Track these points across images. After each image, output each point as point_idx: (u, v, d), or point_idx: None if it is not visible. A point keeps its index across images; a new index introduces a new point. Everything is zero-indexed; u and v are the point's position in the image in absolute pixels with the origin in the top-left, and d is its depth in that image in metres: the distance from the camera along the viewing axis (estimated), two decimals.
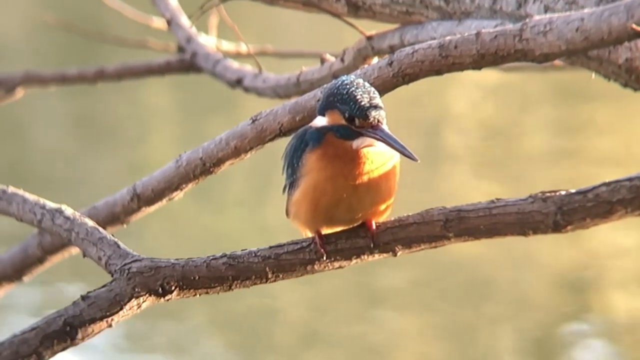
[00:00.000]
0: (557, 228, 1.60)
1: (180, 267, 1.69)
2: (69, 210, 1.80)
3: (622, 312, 4.68)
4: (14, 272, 2.27)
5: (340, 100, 1.66)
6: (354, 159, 1.65)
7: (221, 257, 1.70)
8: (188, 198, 2.10)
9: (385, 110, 1.66)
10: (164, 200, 2.02)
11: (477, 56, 1.71)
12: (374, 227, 1.69)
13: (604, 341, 4.50)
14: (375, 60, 2.11)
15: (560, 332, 4.57)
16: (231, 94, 2.69)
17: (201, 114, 6.90)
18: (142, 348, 4.56)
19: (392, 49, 2.05)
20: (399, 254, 1.68)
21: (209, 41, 2.65)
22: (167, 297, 1.69)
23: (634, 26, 1.57)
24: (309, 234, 1.71)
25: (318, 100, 1.79)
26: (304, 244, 1.70)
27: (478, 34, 1.70)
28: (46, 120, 6.88)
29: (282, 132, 1.87)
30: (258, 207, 5.68)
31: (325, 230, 1.71)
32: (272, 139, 1.88)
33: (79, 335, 1.66)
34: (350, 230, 1.70)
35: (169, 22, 2.66)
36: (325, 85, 1.80)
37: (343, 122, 1.66)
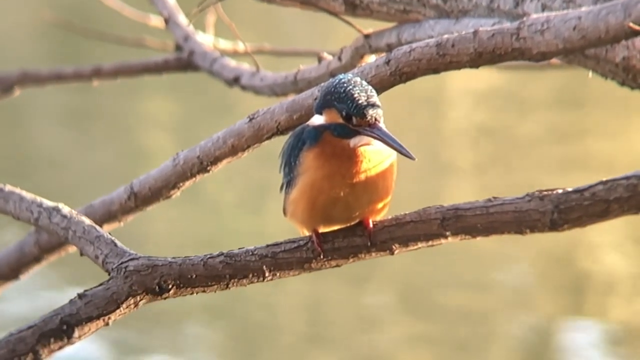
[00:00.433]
0: (554, 226, 1.60)
1: (178, 265, 1.69)
2: (65, 209, 1.80)
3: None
4: (10, 271, 2.27)
5: (337, 98, 1.66)
6: (351, 158, 1.65)
7: (218, 255, 1.70)
8: (185, 197, 2.10)
9: (383, 109, 1.66)
10: (161, 199, 2.02)
11: (475, 55, 1.71)
12: (371, 225, 1.69)
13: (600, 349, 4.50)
14: (372, 58, 2.11)
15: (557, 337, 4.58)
16: (229, 92, 2.69)
17: (198, 112, 6.90)
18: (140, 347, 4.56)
19: (389, 48, 2.05)
20: (396, 252, 1.68)
21: (206, 39, 2.64)
22: (164, 296, 1.69)
23: (632, 25, 1.57)
24: (306, 233, 1.71)
25: (315, 99, 1.79)
26: (301, 243, 1.70)
27: (475, 33, 1.70)
28: (43, 117, 6.87)
29: (279, 131, 1.87)
30: (255, 206, 5.68)
31: (323, 229, 1.71)
32: (269, 138, 1.88)
33: (76, 334, 1.66)
34: (347, 229, 1.70)
35: (166, 21, 2.65)
36: (322, 84, 1.80)
37: (340, 120, 1.66)
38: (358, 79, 1.67)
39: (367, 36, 2.12)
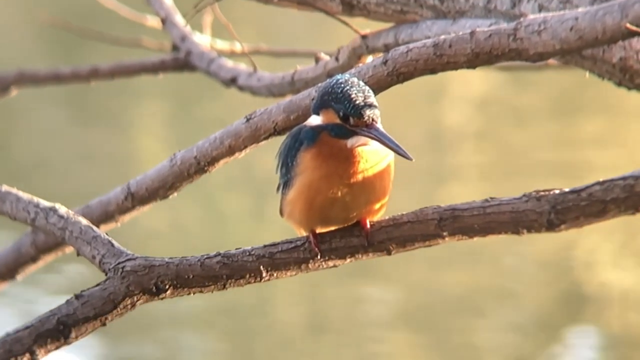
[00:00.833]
0: (551, 227, 1.60)
1: (174, 265, 1.69)
2: (62, 209, 1.80)
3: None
4: (7, 271, 2.27)
5: (334, 99, 1.66)
6: (348, 158, 1.65)
7: (215, 256, 1.70)
8: (183, 198, 2.10)
9: (380, 110, 1.66)
10: (158, 199, 2.02)
11: (472, 55, 1.71)
12: (368, 226, 1.69)
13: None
14: (369, 59, 2.11)
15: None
16: (225, 92, 2.69)
17: (197, 112, 6.89)
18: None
19: (386, 48, 2.05)
20: (393, 252, 1.68)
21: (203, 40, 2.64)
22: (161, 296, 1.69)
23: (628, 25, 1.57)
24: (304, 233, 1.71)
25: (312, 99, 1.79)
26: (299, 243, 1.70)
27: (472, 33, 1.70)
28: (38, 109, 6.86)
29: (276, 131, 1.87)
30: (254, 206, 5.68)
31: (320, 229, 1.70)
32: (266, 138, 1.88)
33: (73, 334, 1.66)
34: (344, 229, 1.70)
35: (163, 21, 2.65)
36: (319, 84, 1.80)
37: (338, 121, 1.66)
38: (355, 80, 1.67)
39: (364, 37, 2.12)
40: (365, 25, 2.13)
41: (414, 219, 1.66)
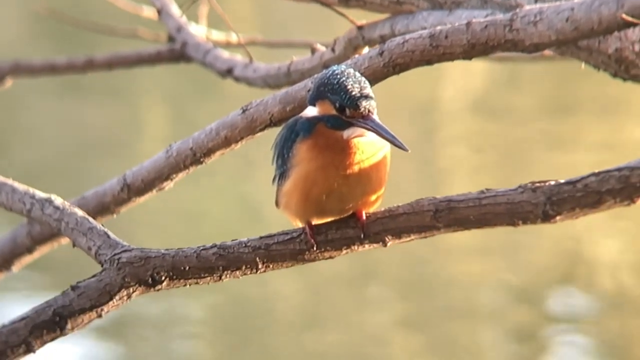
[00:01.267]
0: (546, 218, 1.61)
1: (171, 257, 1.69)
2: (58, 200, 1.79)
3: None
4: (3, 262, 2.27)
5: (331, 90, 1.66)
6: (344, 149, 1.65)
7: (211, 247, 1.70)
8: (179, 189, 2.09)
9: (376, 100, 1.66)
10: (154, 191, 2.02)
11: (468, 46, 1.71)
12: (364, 217, 1.69)
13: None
14: (366, 50, 2.10)
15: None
16: (221, 83, 2.69)
17: (191, 103, 6.88)
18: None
19: (382, 39, 2.05)
20: (389, 244, 1.68)
21: (199, 31, 2.64)
22: (157, 287, 1.69)
23: (624, 16, 1.57)
24: (300, 225, 1.71)
25: (309, 91, 1.78)
26: (294, 235, 1.70)
27: (468, 24, 1.70)
28: (35, 111, 6.85)
29: (272, 122, 1.87)
30: (249, 197, 5.68)
31: (316, 221, 1.70)
32: (262, 129, 1.88)
33: (69, 326, 1.66)
34: (340, 221, 1.70)
35: (159, 12, 2.64)
36: (315, 75, 1.79)
37: (334, 112, 1.66)
38: (351, 71, 1.67)
39: (360, 27, 2.11)
40: (362, 16, 2.12)
41: (410, 210, 1.66)
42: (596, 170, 1.59)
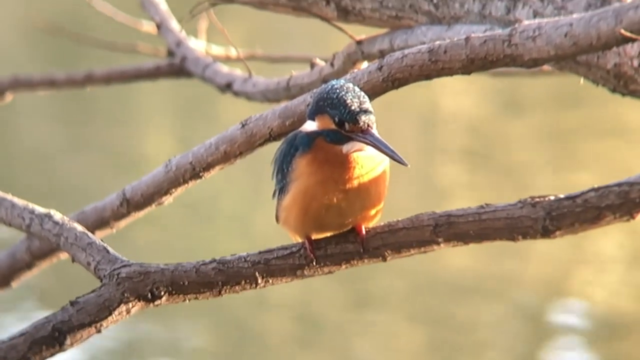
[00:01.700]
0: (546, 233, 1.61)
1: (170, 272, 1.68)
2: (57, 215, 1.79)
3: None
4: (2, 278, 2.26)
5: (330, 104, 1.66)
6: (344, 164, 1.65)
7: (210, 262, 1.70)
8: (178, 205, 2.09)
9: (375, 115, 1.66)
10: (154, 205, 2.02)
11: (467, 61, 1.71)
12: (363, 232, 1.68)
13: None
14: (365, 64, 2.11)
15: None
16: (221, 98, 2.69)
17: (191, 117, 6.89)
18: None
19: (381, 54, 2.05)
20: (388, 259, 1.68)
21: (198, 45, 2.64)
22: (156, 303, 1.68)
23: (623, 31, 1.57)
24: (299, 239, 1.71)
25: (308, 105, 1.79)
26: (294, 249, 1.70)
27: (467, 39, 1.71)
28: (33, 120, 6.85)
29: (272, 137, 1.87)
30: (248, 214, 5.68)
31: (315, 236, 1.70)
32: (261, 144, 1.88)
33: (68, 341, 1.65)
34: (339, 236, 1.70)
35: (158, 26, 2.65)
36: (315, 90, 1.80)
37: (333, 126, 1.66)
38: (350, 85, 1.67)
39: (359, 42, 2.12)
40: (361, 31, 2.13)
41: (410, 225, 1.66)
42: (596, 186, 1.59)
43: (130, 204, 2.03)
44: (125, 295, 1.67)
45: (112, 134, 6.73)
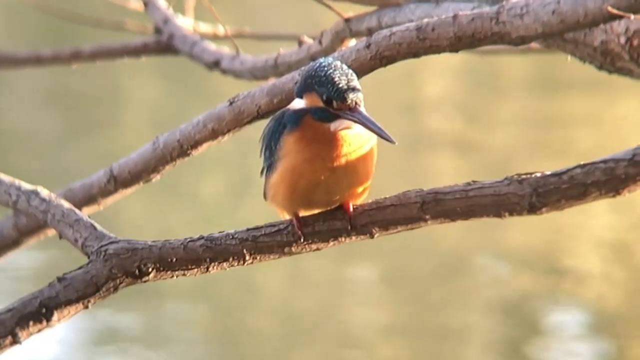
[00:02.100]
0: (532, 209, 1.61)
1: (158, 248, 1.69)
2: (44, 192, 1.79)
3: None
4: None
5: (318, 82, 1.66)
6: (331, 141, 1.65)
7: (198, 239, 1.70)
8: (166, 181, 2.09)
9: (363, 93, 1.66)
10: (141, 182, 2.01)
11: (454, 39, 1.71)
12: (351, 209, 1.69)
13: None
14: (353, 42, 2.10)
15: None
16: (208, 75, 2.68)
17: (178, 95, 6.87)
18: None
19: (369, 32, 2.05)
20: (376, 236, 1.69)
21: (186, 23, 2.63)
22: (143, 279, 1.69)
23: (610, 8, 1.57)
24: (287, 217, 1.72)
25: (296, 83, 1.78)
26: (282, 227, 1.70)
27: (455, 17, 1.71)
28: (20, 100, 6.81)
29: (259, 115, 1.87)
30: (237, 190, 5.68)
31: (303, 213, 1.71)
32: (249, 122, 1.88)
33: (55, 317, 1.65)
34: (327, 213, 1.70)
35: (145, 4, 2.64)
36: (303, 68, 1.79)
37: (321, 104, 1.66)
38: (338, 63, 1.67)
39: (347, 20, 2.11)
40: (349, 9, 2.12)
41: (397, 202, 1.67)
42: (582, 162, 1.60)
43: (117, 181, 2.03)
44: (113, 271, 1.67)
45: (99, 112, 6.70)
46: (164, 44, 2.60)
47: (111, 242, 1.69)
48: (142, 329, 4.52)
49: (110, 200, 2.08)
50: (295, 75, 1.84)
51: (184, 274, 1.69)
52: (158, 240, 1.70)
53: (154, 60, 2.92)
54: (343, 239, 1.69)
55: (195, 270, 1.69)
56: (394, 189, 1.72)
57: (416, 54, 1.75)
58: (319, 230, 1.69)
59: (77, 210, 1.75)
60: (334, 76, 1.65)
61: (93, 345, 4.43)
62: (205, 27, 2.69)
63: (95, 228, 1.72)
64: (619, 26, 1.77)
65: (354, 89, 1.65)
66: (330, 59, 1.69)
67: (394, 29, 1.76)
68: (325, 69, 1.66)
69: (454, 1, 1.97)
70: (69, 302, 1.65)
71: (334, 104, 1.65)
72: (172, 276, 1.69)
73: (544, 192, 1.60)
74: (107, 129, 6.44)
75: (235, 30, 2.71)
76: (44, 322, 1.65)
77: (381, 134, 1.64)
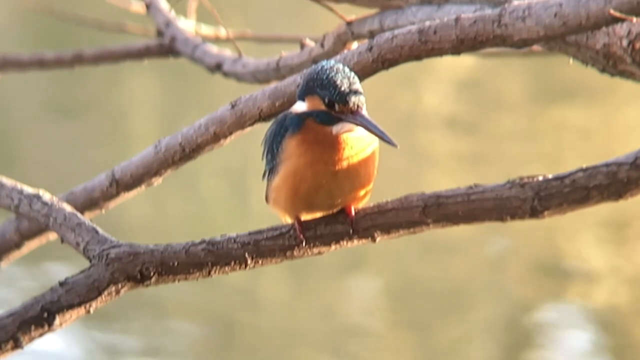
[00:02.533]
0: (534, 213, 1.61)
1: (159, 253, 1.68)
2: (46, 196, 1.79)
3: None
4: None
5: (320, 85, 1.66)
6: (333, 145, 1.65)
7: (200, 243, 1.70)
8: (168, 185, 2.09)
9: (365, 96, 1.66)
10: (143, 186, 2.01)
11: (456, 41, 1.71)
12: (353, 213, 1.69)
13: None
14: (355, 45, 2.10)
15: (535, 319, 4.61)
16: (210, 78, 2.68)
17: (180, 98, 6.87)
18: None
19: (371, 34, 2.05)
20: (378, 239, 1.68)
21: (188, 25, 2.63)
22: (145, 283, 1.69)
23: (612, 11, 1.57)
24: (289, 220, 1.71)
25: (298, 86, 1.78)
26: (283, 230, 1.70)
27: (457, 19, 1.70)
28: (20, 102, 6.82)
29: (261, 118, 1.87)
30: (239, 193, 5.68)
31: (305, 216, 1.71)
32: (251, 125, 1.88)
33: (57, 322, 1.65)
34: (329, 216, 1.70)
35: (147, 6, 2.64)
36: (305, 71, 1.79)
37: (323, 107, 1.66)
38: (340, 66, 1.67)
39: (349, 23, 2.11)
40: (351, 11, 2.12)
41: (399, 206, 1.67)
42: (584, 166, 1.59)
43: (119, 185, 2.03)
44: (115, 275, 1.67)
45: (101, 115, 6.71)
46: (166, 47, 2.60)
47: (113, 246, 1.69)
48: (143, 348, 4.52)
49: (112, 203, 2.08)
50: (297, 78, 1.84)
51: (185, 278, 1.69)
52: (160, 244, 1.70)
53: (156, 63, 2.92)
54: (345, 243, 1.69)
55: (197, 274, 1.69)
56: (396, 193, 1.72)
57: (418, 57, 1.75)
58: (321, 234, 1.69)
59: (78, 214, 1.75)
60: (336, 79, 1.65)
61: None
62: (207, 30, 2.69)
63: (97, 232, 1.72)
64: (621, 29, 1.76)
65: (356, 92, 1.65)
66: (332, 61, 1.69)
67: (396, 31, 1.76)
68: (327, 71, 1.66)
69: (455, 4, 1.97)
70: (70, 307, 1.65)
71: (336, 107, 1.65)
72: (174, 280, 1.69)
73: (546, 195, 1.60)
74: (108, 131, 6.45)
75: (237, 32, 2.71)
76: (46, 327, 1.65)
77: (383, 137, 1.64)
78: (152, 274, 1.68)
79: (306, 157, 1.65)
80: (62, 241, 1.77)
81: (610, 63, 1.79)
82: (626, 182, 1.56)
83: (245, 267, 1.70)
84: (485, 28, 1.68)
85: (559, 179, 1.60)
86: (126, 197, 2.06)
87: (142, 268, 1.67)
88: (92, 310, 1.67)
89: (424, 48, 1.74)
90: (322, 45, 2.15)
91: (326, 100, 1.65)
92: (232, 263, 1.69)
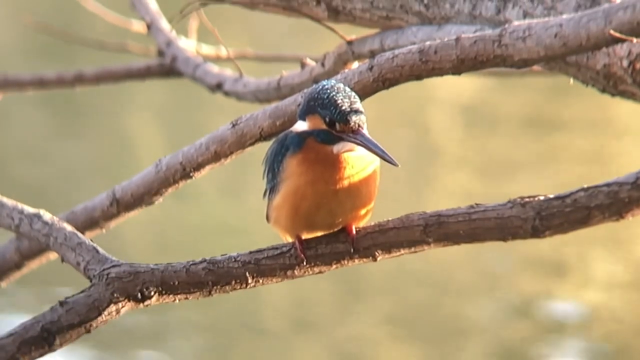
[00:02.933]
0: (535, 233, 1.61)
1: (160, 272, 1.68)
2: (47, 215, 1.79)
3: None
4: None
5: (321, 104, 1.66)
6: (334, 164, 1.65)
7: (201, 262, 1.69)
8: (169, 202, 2.09)
9: (366, 115, 1.66)
10: (144, 205, 2.01)
11: (457, 61, 1.71)
12: (354, 232, 1.69)
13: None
14: (355, 64, 2.11)
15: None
16: (211, 98, 2.69)
17: (181, 117, 6.88)
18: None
19: (372, 54, 2.05)
20: (379, 258, 1.68)
21: (189, 45, 2.64)
22: (146, 303, 1.68)
23: (612, 32, 1.58)
24: (289, 239, 1.71)
25: (299, 105, 1.79)
26: (284, 249, 1.70)
27: (458, 39, 1.71)
28: (22, 114, 6.83)
29: (262, 137, 1.87)
30: (239, 210, 5.67)
31: (306, 235, 1.70)
32: (252, 144, 1.88)
33: (57, 342, 1.65)
34: (330, 235, 1.70)
35: (148, 26, 2.65)
36: (305, 90, 1.80)
37: (324, 126, 1.66)
38: (341, 85, 1.67)
39: (350, 42, 2.12)
40: (351, 31, 2.13)
41: (400, 225, 1.67)
42: (585, 186, 1.59)
43: (120, 204, 2.03)
44: (115, 295, 1.66)
45: (102, 137, 6.71)
46: (167, 67, 2.60)
47: (113, 266, 1.69)
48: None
49: (113, 223, 2.08)
50: (298, 98, 1.84)
51: (186, 297, 1.69)
52: (160, 264, 1.70)
53: (157, 82, 2.93)
54: (346, 262, 1.69)
55: (198, 293, 1.68)
56: (397, 212, 1.72)
57: (419, 77, 1.76)
58: (322, 253, 1.69)
59: (79, 234, 1.75)
60: (336, 98, 1.65)
61: None
62: (208, 50, 2.69)
63: (97, 251, 1.71)
64: (621, 49, 1.77)
65: (356, 111, 1.65)
66: (332, 81, 1.69)
67: (397, 51, 1.76)
68: (328, 91, 1.66)
69: (456, 24, 1.98)
70: (71, 326, 1.65)
71: (336, 126, 1.65)
72: (175, 299, 1.69)
73: (547, 215, 1.60)
74: (110, 150, 6.45)
75: (237, 52, 2.71)
76: (46, 347, 1.64)
77: (384, 157, 1.64)
78: (152, 293, 1.67)
79: (307, 176, 1.65)
80: (63, 261, 1.76)
81: (610, 83, 1.79)
82: (627, 202, 1.56)
83: (246, 286, 1.69)
84: (486, 48, 1.69)
85: (560, 198, 1.60)
86: (127, 216, 2.06)
87: (142, 287, 1.67)
88: (92, 330, 1.67)
89: (424, 68, 1.74)
90: (322, 64, 2.16)
91: (327, 120, 1.65)
92: (233, 282, 1.69)
